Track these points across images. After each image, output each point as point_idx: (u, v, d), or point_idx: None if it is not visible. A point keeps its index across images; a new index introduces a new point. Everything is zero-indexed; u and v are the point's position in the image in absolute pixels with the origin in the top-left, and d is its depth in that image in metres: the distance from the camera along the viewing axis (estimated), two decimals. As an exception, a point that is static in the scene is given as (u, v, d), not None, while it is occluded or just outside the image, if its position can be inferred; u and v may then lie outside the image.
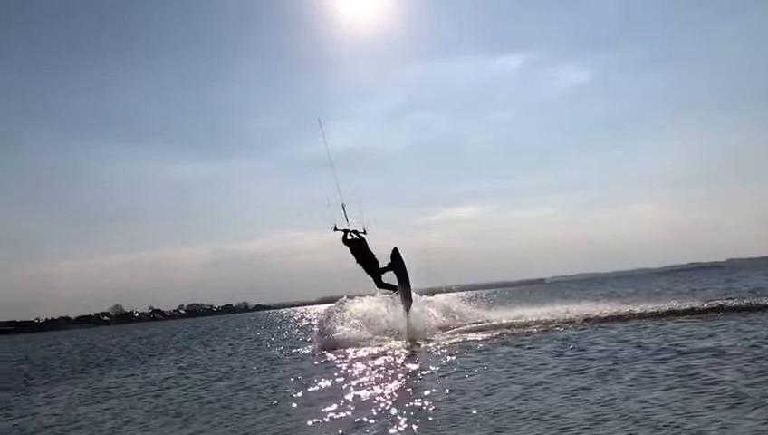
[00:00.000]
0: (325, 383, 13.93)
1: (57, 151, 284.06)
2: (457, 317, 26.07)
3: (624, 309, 24.50)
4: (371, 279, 23.34)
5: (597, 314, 23.76)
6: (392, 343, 21.20)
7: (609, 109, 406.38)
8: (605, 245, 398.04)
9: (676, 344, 14.41)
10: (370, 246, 22.95)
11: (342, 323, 23.49)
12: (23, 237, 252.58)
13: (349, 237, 22.54)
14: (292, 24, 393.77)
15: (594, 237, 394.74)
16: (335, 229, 22.45)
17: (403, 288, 22.69)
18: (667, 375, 10.91)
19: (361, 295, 24.92)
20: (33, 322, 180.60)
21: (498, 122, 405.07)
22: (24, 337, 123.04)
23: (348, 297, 24.84)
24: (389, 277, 23.07)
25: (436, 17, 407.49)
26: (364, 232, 22.61)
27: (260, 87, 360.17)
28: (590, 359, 13.65)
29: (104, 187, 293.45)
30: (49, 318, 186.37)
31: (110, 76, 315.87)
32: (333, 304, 24.91)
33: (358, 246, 22.66)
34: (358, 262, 22.76)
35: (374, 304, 24.45)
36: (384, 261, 22.98)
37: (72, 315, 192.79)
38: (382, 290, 23.30)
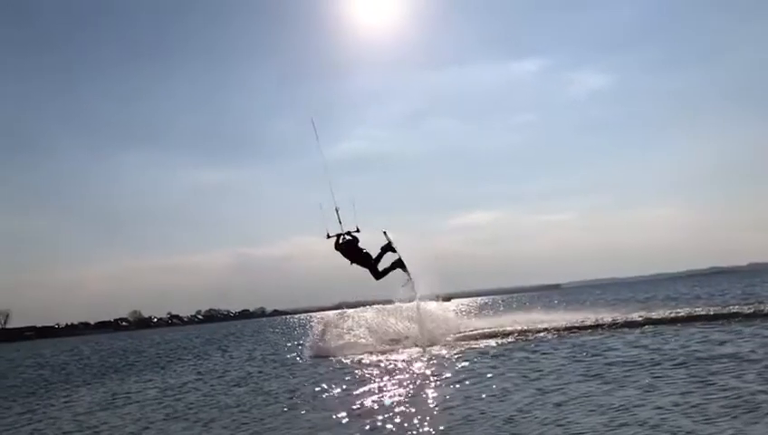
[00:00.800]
0: (342, 388, 14.02)
1: (80, 157, 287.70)
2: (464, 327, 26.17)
3: (641, 315, 24.35)
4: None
5: (613, 319, 23.66)
6: (406, 350, 21.29)
7: (627, 112, 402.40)
8: (623, 249, 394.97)
9: (694, 350, 14.34)
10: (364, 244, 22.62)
11: (346, 332, 23.72)
12: (44, 243, 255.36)
13: (340, 241, 22.10)
14: (310, 31, 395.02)
15: (611, 242, 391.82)
16: (328, 237, 21.99)
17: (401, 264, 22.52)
18: (685, 381, 10.88)
19: (377, 302, 25.03)
20: (53, 327, 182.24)
21: (516, 127, 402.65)
22: (45, 342, 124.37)
23: (348, 307, 24.90)
24: (384, 263, 22.73)
25: (453, 23, 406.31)
26: (357, 230, 22.14)
27: (279, 93, 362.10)
28: (607, 364, 13.64)
29: (126, 193, 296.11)
30: (69, 323, 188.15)
31: (134, 84, 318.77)
32: (333, 312, 25.09)
33: (350, 247, 22.18)
34: (352, 262, 22.31)
35: (380, 313, 24.61)
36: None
37: (92, 321, 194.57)
38: (383, 278, 22.78)
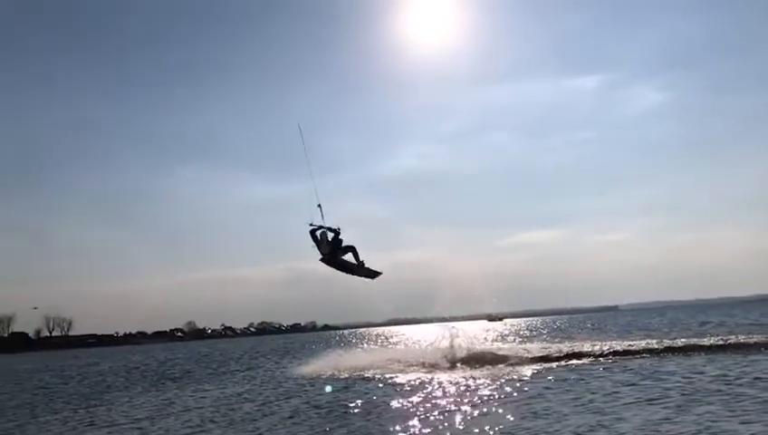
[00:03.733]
0: (392, 405, 14.14)
1: (141, 172, 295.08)
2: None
3: (702, 341, 23.73)
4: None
5: (673, 343, 23.12)
6: (453, 371, 21.24)
7: (688, 130, 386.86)
8: (685, 271, 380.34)
9: (758, 378, 13.92)
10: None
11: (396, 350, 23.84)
12: (106, 254, 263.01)
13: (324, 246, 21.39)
14: (364, 48, 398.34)
15: (673, 263, 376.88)
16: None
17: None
18: (746, 409, 10.60)
19: (426, 320, 25.01)
20: (112, 335, 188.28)
21: (573, 144, 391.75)
22: (104, 350, 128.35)
23: (397, 324, 24.85)
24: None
25: (510, 38, 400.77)
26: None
27: (334, 110, 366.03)
28: (667, 389, 13.40)
29: (184, 206, 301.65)
30: (127, 332, 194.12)
31: (192, 100, 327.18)
32: (382, 329, 25.12)
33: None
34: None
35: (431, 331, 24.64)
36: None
37: (149, 330, 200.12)
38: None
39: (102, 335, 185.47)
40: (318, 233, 21.72)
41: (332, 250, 21.68)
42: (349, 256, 22.04)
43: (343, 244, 21.59)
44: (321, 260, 21.90)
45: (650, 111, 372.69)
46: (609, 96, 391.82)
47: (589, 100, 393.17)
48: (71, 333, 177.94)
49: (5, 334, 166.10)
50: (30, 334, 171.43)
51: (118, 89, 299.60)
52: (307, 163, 21.36)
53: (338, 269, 22.04)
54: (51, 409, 19.03)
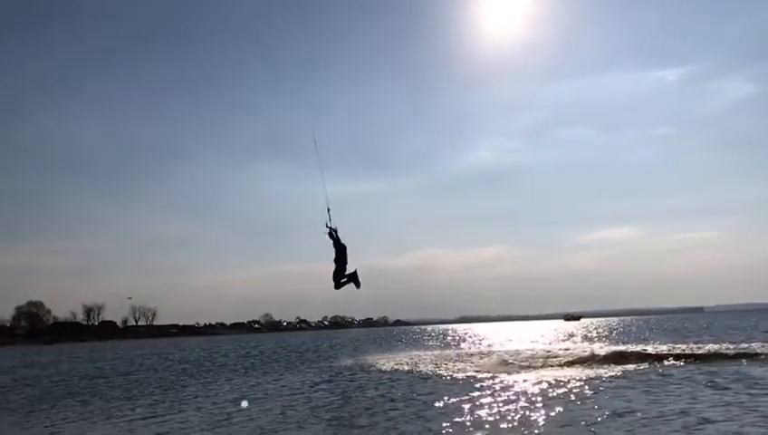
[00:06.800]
0: (464, 401, 14.35)
1: (224, 169, 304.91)
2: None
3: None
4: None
5: (757, 348, 22.25)
6: (525, 371, 21.18)
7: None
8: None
9: None
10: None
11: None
12: (190, 247, 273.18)
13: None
14: (439, 44, 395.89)
15: (763, 264, 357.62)
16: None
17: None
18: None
19: (499, 318, 24.89)
20: (193, 326, 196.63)
21: (654, 138, 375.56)
22: (186, 340, 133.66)
23: (469, 322, 24.55)
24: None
25: (588, 31, 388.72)
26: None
27: (407, 107, 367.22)
28: (751, 394, 13.03)
29: (265, 203, 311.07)
30: (207, 323, 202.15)
31: (275, 100, 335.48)
32: (454, 326, 24.94)
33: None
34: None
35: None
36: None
37: (227, 322, 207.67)
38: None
39: (184, 326, 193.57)
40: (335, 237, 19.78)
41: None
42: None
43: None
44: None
45: (737, 105, 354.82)
46: (692, 89, 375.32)
47: (670, 93, 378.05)
48: (154, 323, 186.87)
49: (96, 323, 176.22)
50: (118, 323, 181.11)
51: (202, 89, 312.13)
52: (320, 169, 21.40)
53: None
54: (141, 393, 20.24)
